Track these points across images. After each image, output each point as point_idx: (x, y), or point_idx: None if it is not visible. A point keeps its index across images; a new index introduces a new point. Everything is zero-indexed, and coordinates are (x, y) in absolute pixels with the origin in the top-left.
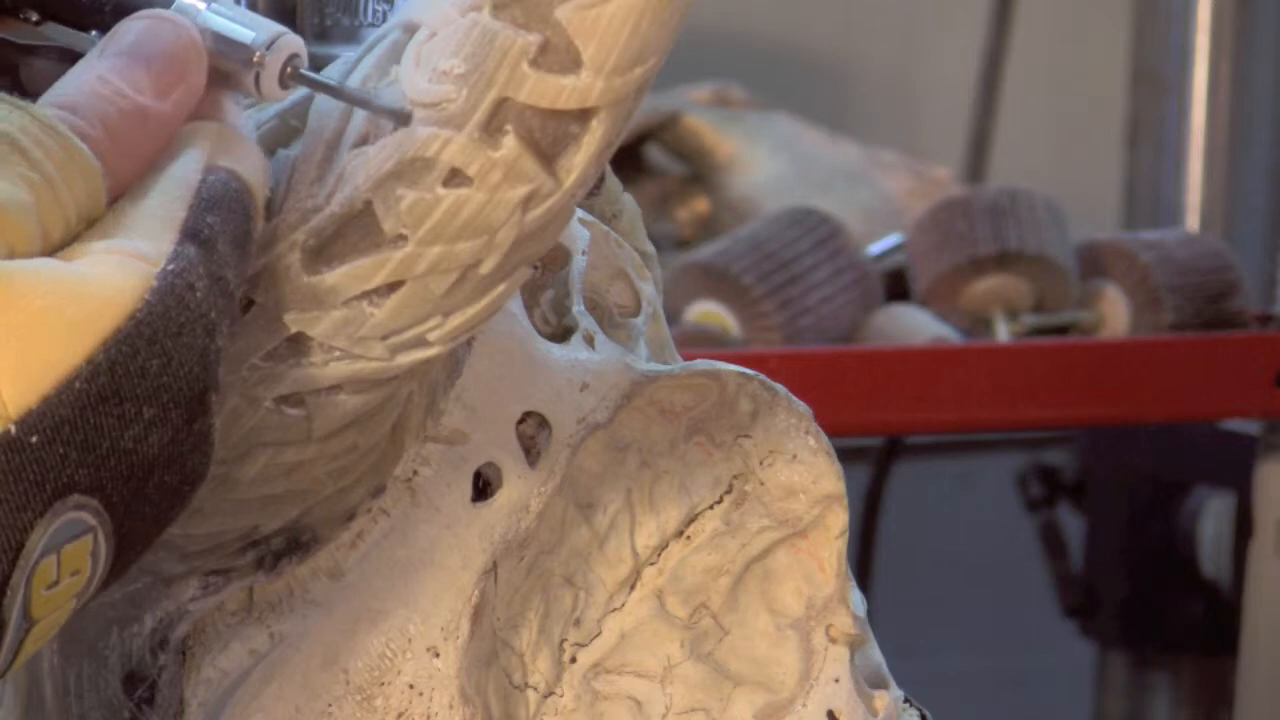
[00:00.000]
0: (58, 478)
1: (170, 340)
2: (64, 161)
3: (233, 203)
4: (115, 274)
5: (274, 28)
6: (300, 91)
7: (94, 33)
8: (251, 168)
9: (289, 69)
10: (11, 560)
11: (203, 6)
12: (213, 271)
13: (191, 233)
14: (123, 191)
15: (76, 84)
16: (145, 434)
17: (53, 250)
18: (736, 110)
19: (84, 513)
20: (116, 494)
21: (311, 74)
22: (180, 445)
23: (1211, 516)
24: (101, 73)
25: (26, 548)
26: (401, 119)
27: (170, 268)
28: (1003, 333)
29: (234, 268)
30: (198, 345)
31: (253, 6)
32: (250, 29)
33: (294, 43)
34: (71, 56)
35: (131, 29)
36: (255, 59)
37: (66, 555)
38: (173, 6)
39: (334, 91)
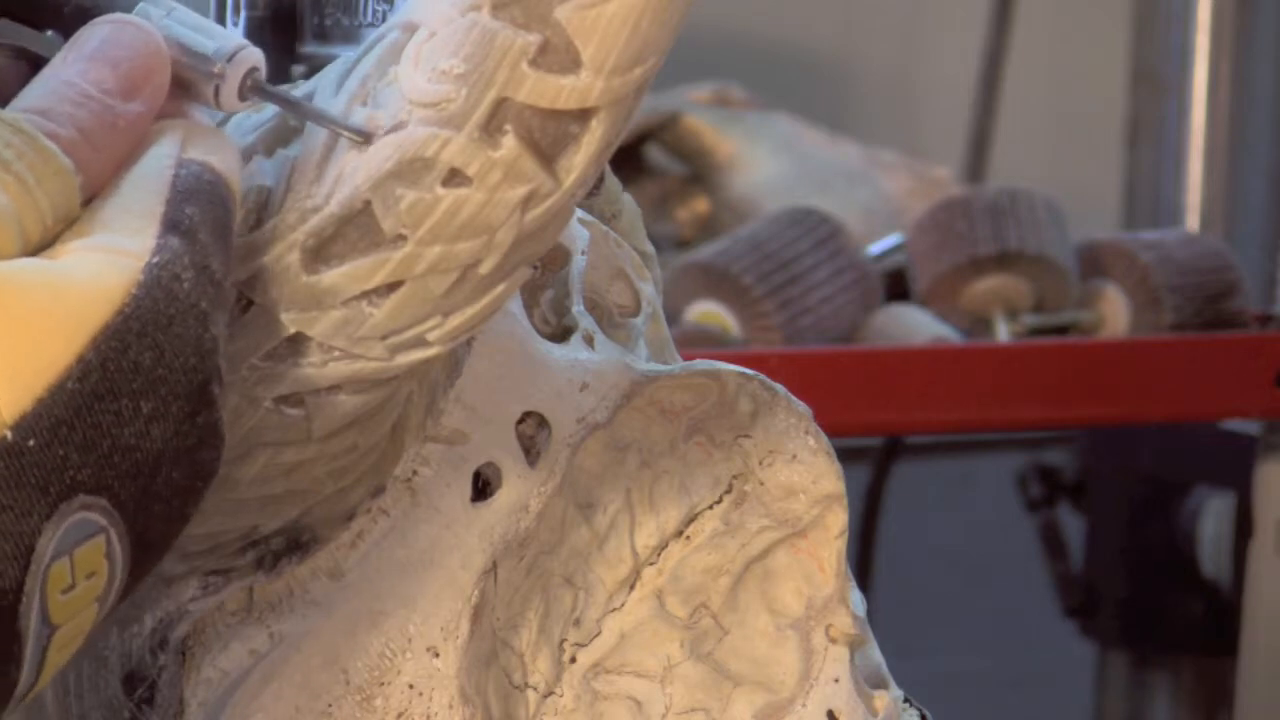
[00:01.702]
0: (60, 479)
1: (161, 333)
2: (36, 163)
3: (209, 193)
4: (100, 270)
5: (235, 39)
6: (270, 109)
7: (49, 33)
8: (224, 158)
9: (249, 82)
10: (23, 566)
11: (164, 15)
12: (198, 261)
13: (172, 224)
14: (96, 192)
15: (42, 90)
16: (146, 429)
17: (32, 253)
18: (736, 110)
19: (92, 513)
20: (124, 492)
21: (271, 88)
22: (185, 439)
23: (1211, 516)
24: (67, 77)
25: (36, 552)
26: (361, 138)
27: (155, 260)
28: (1003, 333)
29: (218, 257)
30: (190, 336)
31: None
32: (211, 40)
33: (254, 56)
34: (24, 55)
35: (95, 34)
36: (216, 70)
37: (80, 557)
38: (135, 12)
39: (293, 107)
